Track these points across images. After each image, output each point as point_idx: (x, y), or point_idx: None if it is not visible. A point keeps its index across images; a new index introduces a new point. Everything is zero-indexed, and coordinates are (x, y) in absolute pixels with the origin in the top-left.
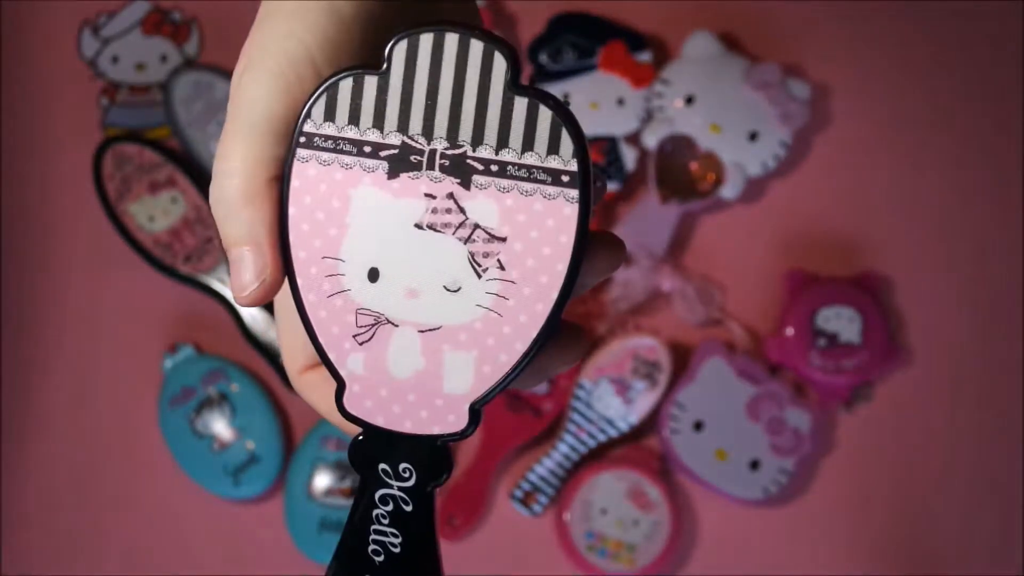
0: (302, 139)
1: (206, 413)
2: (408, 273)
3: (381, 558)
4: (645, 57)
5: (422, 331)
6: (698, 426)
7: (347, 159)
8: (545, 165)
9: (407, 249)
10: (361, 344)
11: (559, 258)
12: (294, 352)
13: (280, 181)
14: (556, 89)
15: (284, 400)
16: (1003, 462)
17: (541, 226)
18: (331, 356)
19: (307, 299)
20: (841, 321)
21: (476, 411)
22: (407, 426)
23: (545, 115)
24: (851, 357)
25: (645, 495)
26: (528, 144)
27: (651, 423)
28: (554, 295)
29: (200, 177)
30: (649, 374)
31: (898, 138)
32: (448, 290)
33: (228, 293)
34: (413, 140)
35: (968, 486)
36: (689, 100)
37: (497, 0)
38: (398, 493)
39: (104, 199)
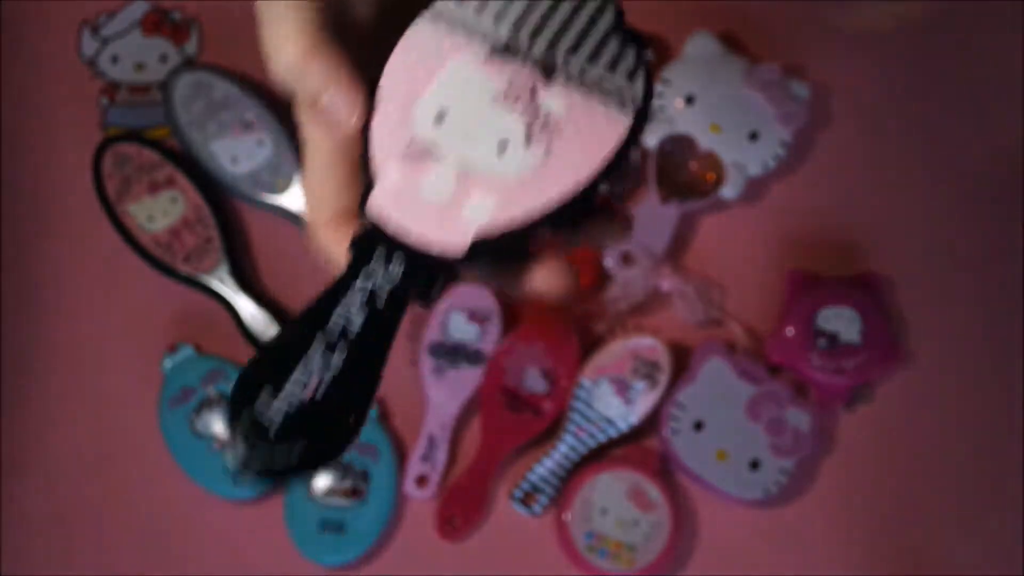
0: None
1: (206, 413)
2: (469, 125)
3: (337, 331)
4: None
5: (461, 171)
6: (698, 426)
7: (458, 32)
8: (618, 87)
9: (477, 109)
10: (404, 162)
11: (600, 155)
12: (323, 202)
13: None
14: None
15: None
16: (1003, 462)
17: (596, 130)
18: (374, 162)
19: (375, 119)
20: (841, 321)
21: (477, 249)
22: (413, 237)
23: (631, 54)
24: (851, 357)
25: (645, 495)
26: (611, 69)
27: (651, 423)
28: (583, 180)
29: (200, 177)
30: (649, 374)
31: (899, 138)
32: (497, 147)
33: (228, 293)
34: (518, 33)
35: (968, 486)
36: (689, 100)
37: None
38: (381, 283)
39: (104, 199)
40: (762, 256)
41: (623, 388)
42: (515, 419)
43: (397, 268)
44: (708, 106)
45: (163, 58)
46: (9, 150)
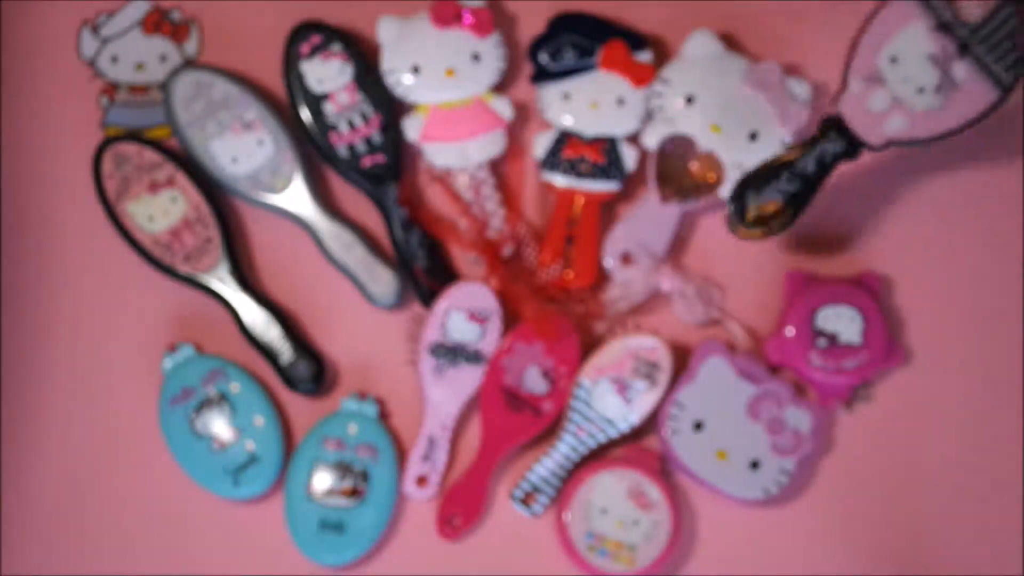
0: None
1: (206, 413)
2: (909, 71)
3: (798, 171)
4: (645, 57)
5: (894, 98)
6: (698, 426)
7: (922, 8)
8: (998, 74)
9: (917, 60)
10: (865, 81)
11: (971, 114)
12: None
13: None
14: (556, 89)
15: (284, 400)
16: (1003, 462)
17: (976, 97)
18: (849, 72)
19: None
20: (841, 321)
21: (886, 144)
22: (854, 127)
23: (1013, 55)
24: (851, 357)
25: (645, 495)
26: (999, 60)
27: (651, 423)
28: (956, 127)
29: (200, 177)
30: (649, 374)
31: None
32: (918, 89)
33: (228, 293)
34: (956, 19)
35: (968, 486)
36: (689, 100)
37: (497, 0)
38: (829, 151)
39: (104, 199)
40: (762, 256)
41: (623, 388)
42: (515, 419)
43: (841, 144)
44: (708, 106)
45: (163, 58)
46: (9, 150)
